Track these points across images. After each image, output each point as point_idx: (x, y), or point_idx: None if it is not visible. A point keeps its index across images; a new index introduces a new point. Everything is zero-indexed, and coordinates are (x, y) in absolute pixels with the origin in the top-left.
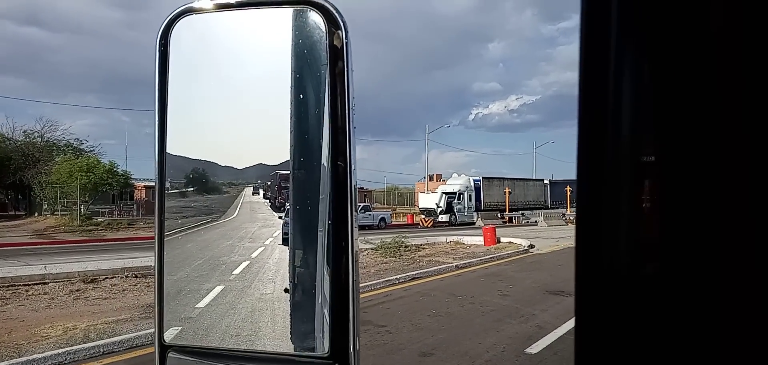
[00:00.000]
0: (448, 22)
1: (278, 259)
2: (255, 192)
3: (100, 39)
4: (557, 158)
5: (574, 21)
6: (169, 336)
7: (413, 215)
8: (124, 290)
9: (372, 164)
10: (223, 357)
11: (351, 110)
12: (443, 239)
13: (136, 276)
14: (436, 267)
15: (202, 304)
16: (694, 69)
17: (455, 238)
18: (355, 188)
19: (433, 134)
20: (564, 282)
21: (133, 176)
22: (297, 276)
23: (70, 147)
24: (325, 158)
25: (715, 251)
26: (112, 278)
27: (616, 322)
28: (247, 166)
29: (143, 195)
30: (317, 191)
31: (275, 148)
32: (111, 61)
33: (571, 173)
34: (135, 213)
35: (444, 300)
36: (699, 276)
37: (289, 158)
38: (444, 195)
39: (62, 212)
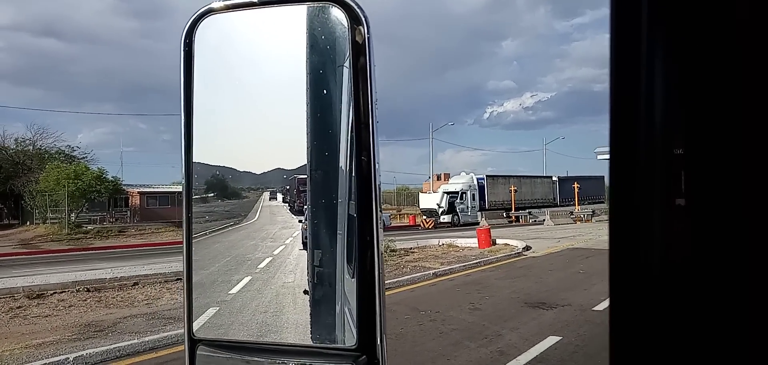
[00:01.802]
0: (461, 22)
1: (298, 255)
2: (272, 197)
3: (116, 49)
4: (571, 154)
5: (588, 17)
6: (205, 318)
7: (415, 216)
8: (70, 305)
9: (387, 165)
10: (252, 349)
11: (374, 105)
12: (436, 241)
13: (87, 290)
14: (409, 276)
15: (234, 291)
16: (727, 60)
17: (449, 240)
18: (379, 183)
19: (448, 134)
20: (549, 291)
21: (124, 183)
22: (316, 275)
23: (61, 154)
24: (343, 159)
25: (756, 248)
26: (61, 293)
27: (651, 320)
28: (266, 171)
29: (137, 202)
30: (335, 193)
31: (293, 151)
32: (127, 71)
33: (585, 169)
34: (128, 220)
35: (403, 316)
36: (739, 274)
37: (306, 161)
38: (445, 195)
39: (53, 221)
